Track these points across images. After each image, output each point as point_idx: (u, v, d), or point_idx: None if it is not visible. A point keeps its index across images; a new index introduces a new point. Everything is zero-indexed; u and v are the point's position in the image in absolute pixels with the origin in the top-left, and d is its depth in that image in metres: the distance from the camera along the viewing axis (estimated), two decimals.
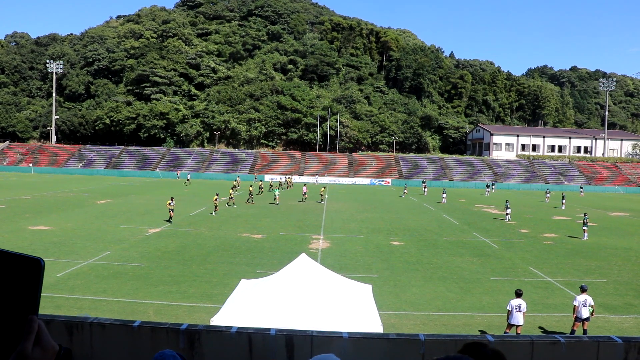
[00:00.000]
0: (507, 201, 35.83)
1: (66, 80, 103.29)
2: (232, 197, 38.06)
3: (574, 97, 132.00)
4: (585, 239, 26.97)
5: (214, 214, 32.20)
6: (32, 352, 1.10)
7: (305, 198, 44.08)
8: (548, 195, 53.06)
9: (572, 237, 27.71)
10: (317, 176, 73.74)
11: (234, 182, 44.54)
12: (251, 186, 44.47)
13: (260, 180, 57.93)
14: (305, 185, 47.84)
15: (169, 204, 28.91)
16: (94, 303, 13.94)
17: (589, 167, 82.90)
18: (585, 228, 27.44)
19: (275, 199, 40.21)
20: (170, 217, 28.89)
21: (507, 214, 34.28)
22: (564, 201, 45.26)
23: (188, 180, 65.16)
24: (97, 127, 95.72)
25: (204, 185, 61.03)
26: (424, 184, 65.38)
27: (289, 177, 65.97)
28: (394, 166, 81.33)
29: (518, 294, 12.16)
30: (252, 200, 41.46)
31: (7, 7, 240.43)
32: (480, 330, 12.67)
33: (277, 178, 68.43)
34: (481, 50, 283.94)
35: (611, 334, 6.94)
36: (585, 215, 28.65)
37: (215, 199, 32.58)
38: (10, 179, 60.20)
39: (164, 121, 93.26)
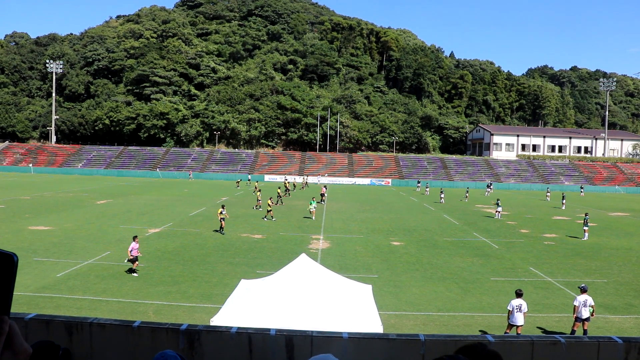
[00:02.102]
0: (498, 199, 38.18)
1: (66, 80, 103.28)
2: (270, 210, 31.80)
3: (574, 97, 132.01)
4: (585, 239, 26.98)
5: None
6: (2, 355, 1.03)
7: (324, 200, 42.78)
8: (548, 194, 55.00)
9: (572, 237, 27.71)
10: (319, 176, 73.78)
11: (257, 192, 38.17)
12: (279, 188, 44.29)
13: (287, 181, 55.80)
14: (325, 186, 47.33)
15: (220, 212, 25.69)
16: (93, 303, 13.93)
17: (589, 167, 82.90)
18: (585, 228, 27.46)
19: (311, 212, 32.22)
20: (222, 227, 25.68)
21: (497, 212, 35.91)
22: (564, 201, 45.28)
23: (249, 180, 65.71)
24: (96, 127, 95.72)
25: (204, 185, 61.05)
26: (419, 184, 65.70)
27: (304, 178, 65.73)
28: (394, 166, 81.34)
29: (518, 294, 12.16)
30: (281, 202, 40.20)
31: (7, 7, 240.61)
32: (480, 330, 12.66)
33: (292, 179, 66.33)
34: (481, 50, 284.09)
35: (611, 334, 6.94)
36: (586, 215, 28.67)
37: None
38: (9, 179, 60.20)
39: (164, 121, 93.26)
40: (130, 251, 17.15)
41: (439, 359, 1.77)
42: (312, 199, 33.80)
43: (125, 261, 17.69)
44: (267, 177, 74.06)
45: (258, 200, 36.94)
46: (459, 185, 72.64)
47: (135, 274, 17.00)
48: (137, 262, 17.34)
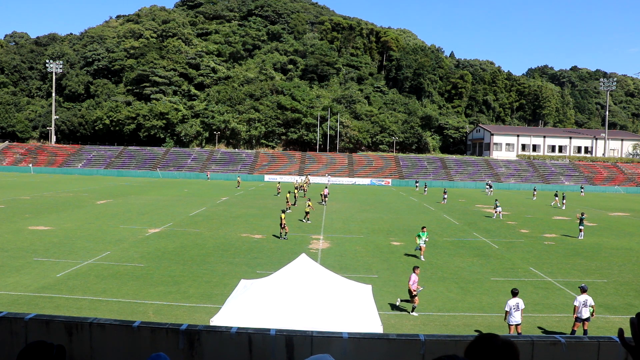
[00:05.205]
0: (496, 200, 39.23)
1: (66, 80, 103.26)
2: (308, 213, 31.42)
3: (574, 97, 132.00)
4: (580, 238, 27.04)
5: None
6: None
7: (325, 201, 41.82)
8: (535, 192, 57.36)
9: (572, 237, 27.73)
10: (328, 176, 73.72)
11: (287, 194, 38.23)
12: (296, 189, 44.32)
13: (306, 183, 55.44)
14: (326, 187, 46.95)
15: (283, 218, 25.01)
16: (93, 303, 13.92)
17: (590, 167, 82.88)
18: (581, 227, 27.54)
19: (419, 250, 21.32)
20: (286, 232, 24.92)
21: (496, 212, 36.14)
22: (564, 201, 45.28)
23: (307, 179, 62.82)
24: (96, 127, 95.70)
25: (204, 185, 61.04)
26: (417, 184, 65.98)
27: (306, 177, 65.66)
28: (394, 166, 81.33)
29: (514, 293, 12.10)
30: (295, 203, 39.92)
31: (6, 7, 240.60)
32: (476, 331, 12.65)
33: (297, 179, 65.32)
34: (481, 50, 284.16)
35: (611, 335, 6.93)
36: (582, 215, 28.69)
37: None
38: (9, 179, 60.19)
39: (164, 121, 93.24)
40: (412, 284, 13.59)
41: (437, 359, 1.78)
42: (423, 229, 21.71)
43: (400, 301, 14.41)
44: (266, 177, 74.07)
45: (287, 202, 36.75)
46: (459, 185, 72.65)
47: (414, 313, 13.73)
48: (416, 299, 13.69)
